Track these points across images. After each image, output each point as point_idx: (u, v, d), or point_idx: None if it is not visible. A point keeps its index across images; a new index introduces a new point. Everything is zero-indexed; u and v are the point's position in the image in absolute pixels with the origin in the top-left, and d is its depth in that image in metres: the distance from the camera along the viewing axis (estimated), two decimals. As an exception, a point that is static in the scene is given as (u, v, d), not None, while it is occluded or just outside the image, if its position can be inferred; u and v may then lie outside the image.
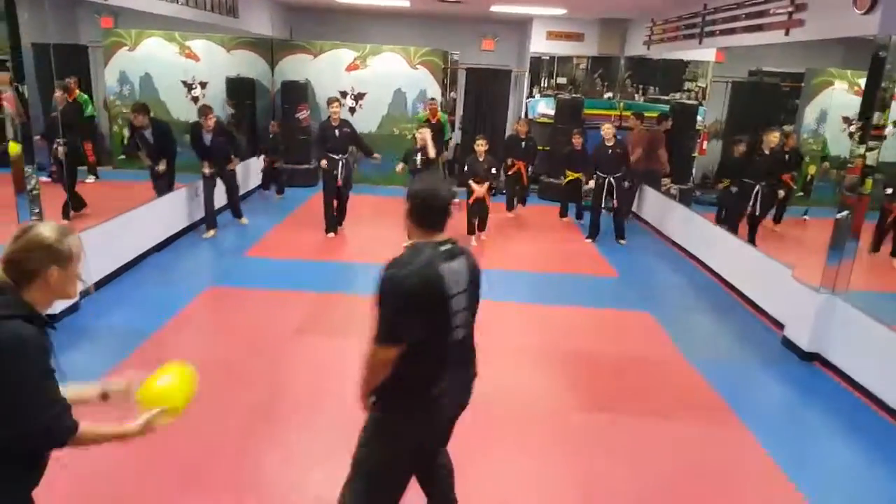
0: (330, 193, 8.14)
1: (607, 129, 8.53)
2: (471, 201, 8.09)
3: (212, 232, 7.93)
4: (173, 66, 10.77)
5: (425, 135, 7.74)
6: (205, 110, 7.84)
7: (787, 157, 9.30)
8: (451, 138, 10.78)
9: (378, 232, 8.33)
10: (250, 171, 10.33)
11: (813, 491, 3.58)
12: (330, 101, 8.27)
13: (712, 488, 3.60)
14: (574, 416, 4.23)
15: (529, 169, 9.75)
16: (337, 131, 8.08)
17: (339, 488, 3.29)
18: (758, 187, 7.93)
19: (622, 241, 8.58)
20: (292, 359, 4.84)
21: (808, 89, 11.15)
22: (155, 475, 3.39)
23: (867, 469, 3.94)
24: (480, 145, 8.11)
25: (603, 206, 8.51)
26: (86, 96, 9.20)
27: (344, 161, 8.08)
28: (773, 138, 7.92)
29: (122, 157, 10.90)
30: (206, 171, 7.92)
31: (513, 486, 3.51)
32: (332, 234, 8.18)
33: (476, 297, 2.49)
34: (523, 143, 9.55)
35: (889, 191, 7.97)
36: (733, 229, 7.87)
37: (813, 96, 11.13)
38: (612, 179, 8.39)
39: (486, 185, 8.03)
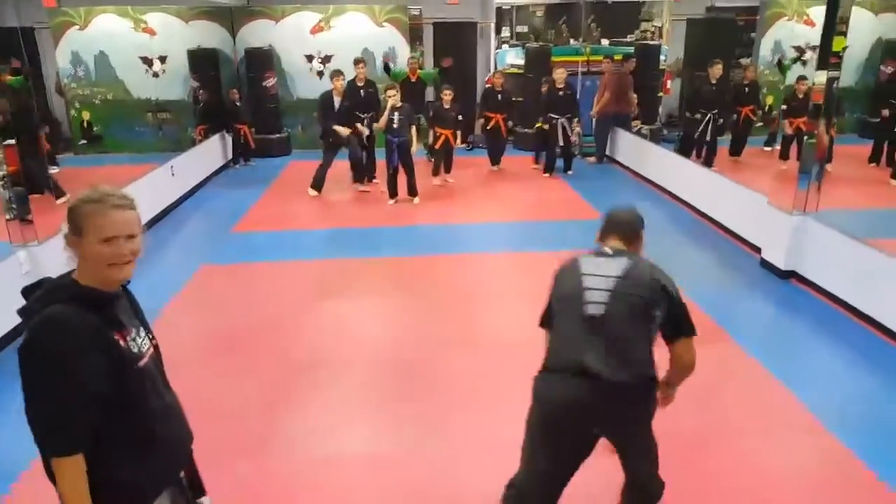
0: (354, 155, 8.58)
1: (559, 74, 9.09)
2: (437, 146, 8.72)
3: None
4: (129, 43, 10.49)
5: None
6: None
7: (746, 89, 9.64)
8: (433, 77, 10.43)
9: (355, 195, 8.47)
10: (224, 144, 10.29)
11: (800, 388, 3.92)
12: (356, 62, 8.75)
13: (714, 398, 3.90)
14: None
15: (509, 123, 9.82)
16: (362, 91, 8.56)
17: (373, 443, 3.57)
18: (709, 116, 8.69)
19: (569, 172, 9.36)
20: (308, 324, 4.98)
21: (762, 22, 11.40)
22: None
23: (846, 367, 4.31)
24: (447, 94, 8.63)
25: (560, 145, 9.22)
26: (19, 78, 8.03)
27: (368, 119, 8.49)
28: (716, 70, 8.71)
29: (83, 141, 10.72)
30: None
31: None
32: (361, 186, 8.71)
33: (639, 299, 2.29)
34: (499, 96, 9.59)
35: (784, 107, 9.32)
36: (686, 155, 8.69)
37: (767, 28, 11.39)
38: (563, 121, 9.02)
39: (451, 130, 8.69)
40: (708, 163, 8.61)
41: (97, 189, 1.68)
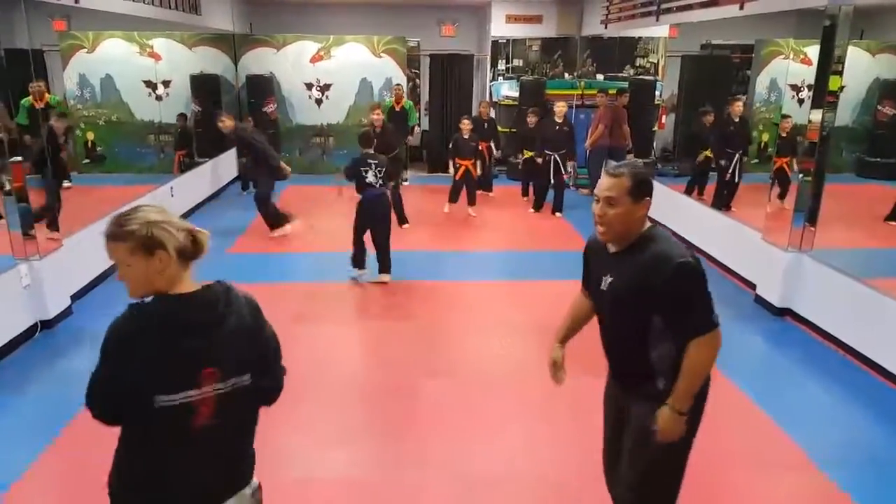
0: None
1: (560, 108, 8.81)
2: (457, 177, 8.68)
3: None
4: (134, 66, 10.63)
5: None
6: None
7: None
8: (417, 124, 10.94)
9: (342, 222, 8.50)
10: (223, 167, 10.37)
11: (792, 426, 3.94)
12: (372, 108, 8.55)
13: (704, 433, 3.87)
14: (569, 380, 4.48)
15: (497, 152, 10.06)
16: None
17: (359, 465, 3.57)
18: (736, 156, 8.50)
19: (558, 214, 8.94)
20: (294, 347, 4.98)
21: (757, 60, 11.60)
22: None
23: (838, 405, 4.33)
24: (465, 125, 8.62)
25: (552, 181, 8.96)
26: (58, 99, 9.08)
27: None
28: (737, 108, 8.53)
29: (87, 161, 10.82)
30: None
31: (522, 444, 3.77)
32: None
33: None
34: (485, 125, 9.80)
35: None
36: (722, 200, 8.47)
37: (763, 66, 11.59)
38: (557, 157, 8.77)
39: (472, 160, 8.65)
40: (728, 202, 8.55)
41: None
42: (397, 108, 10.16)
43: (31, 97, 8.00)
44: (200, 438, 1.71)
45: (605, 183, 2.23)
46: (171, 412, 1.63)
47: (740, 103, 8.64)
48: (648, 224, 2.26)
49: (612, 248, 2.29)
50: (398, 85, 10.64)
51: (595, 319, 2.51)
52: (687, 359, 2.15)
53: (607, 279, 2.28)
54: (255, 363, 1.78)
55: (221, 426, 1.73)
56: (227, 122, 7.73)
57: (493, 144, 9.86)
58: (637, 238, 2.22)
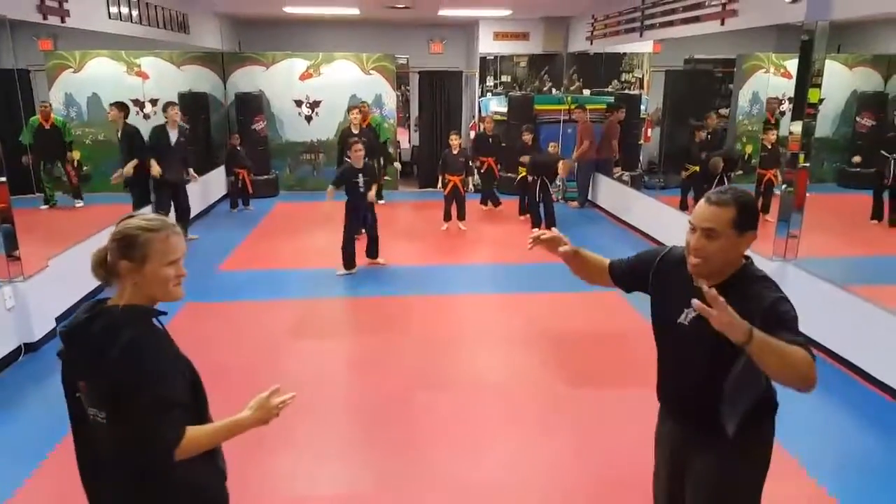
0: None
1: (563, 170, 9.18)
2: (446, 192, 8.79)
3: None
4: (122, 86, 10.59)
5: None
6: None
7: (708, 136, 9.77)
8: (389, 139, 10.87)
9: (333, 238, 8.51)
10: (212, 184, 10.37)
11: (781, 432, 3.84)
12: (350, 109, 8.59)
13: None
14: (561, 390, 4.52)
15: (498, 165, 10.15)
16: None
17: (357, 480, 3.55)
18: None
19: (554, 230, 8.93)
20: (288, 363, 4.99)
21: (739, 74, 11.76)
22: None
23: (825, 410, 4.36)
24: (454, 140, 8.78)
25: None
26: (63, 120, 9.21)
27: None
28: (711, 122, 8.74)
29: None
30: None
31: (520, 455, 3.77)
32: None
33: None
34: (489, 139, 9.92)
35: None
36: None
37: (745, 80, 11.74)
38: (544, 177, 8.95)
39: (461, 176, 8.77)
40: None
41: (147, 217, 1.81)
42: (363, 126, 9.95)
43: (39, 116, 8.12)
44: None
45: (705, 212, 1.97)
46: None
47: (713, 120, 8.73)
48: (744, 260, 2.03)
49: (700, 284, 1.95)
50: (364, 102, 10.66)
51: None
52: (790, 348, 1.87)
53: (691, 314, 2.02)
54: None
55: None
56: (112, 113, 7.54)
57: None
58: (733, 277, 1.99)
